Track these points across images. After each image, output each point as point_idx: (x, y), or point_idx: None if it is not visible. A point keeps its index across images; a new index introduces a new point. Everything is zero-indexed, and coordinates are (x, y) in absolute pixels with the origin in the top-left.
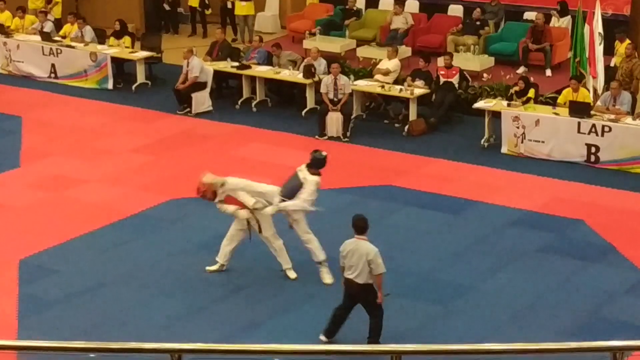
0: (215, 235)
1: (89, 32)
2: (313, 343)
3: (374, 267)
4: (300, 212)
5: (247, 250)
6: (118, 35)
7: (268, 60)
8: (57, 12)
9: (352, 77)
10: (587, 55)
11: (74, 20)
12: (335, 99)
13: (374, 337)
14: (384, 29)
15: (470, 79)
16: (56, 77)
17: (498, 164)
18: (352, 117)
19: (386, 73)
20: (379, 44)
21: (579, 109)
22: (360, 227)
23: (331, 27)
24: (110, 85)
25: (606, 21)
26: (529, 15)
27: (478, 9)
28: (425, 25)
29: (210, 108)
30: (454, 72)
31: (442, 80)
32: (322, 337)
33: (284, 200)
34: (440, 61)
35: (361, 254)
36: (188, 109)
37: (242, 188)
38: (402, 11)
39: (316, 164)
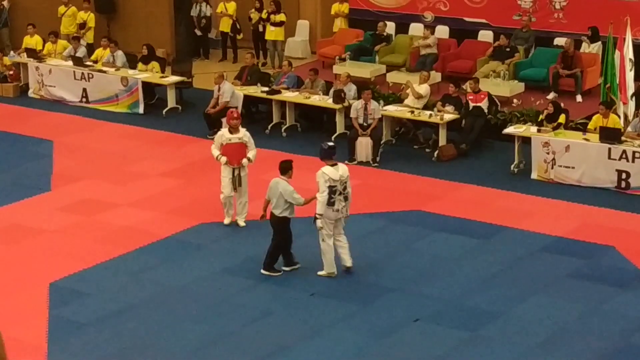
0: (244, 260)
1: (120, 56)
2: None
3: (292, 201)
4: None
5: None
6: (146, 60)
7: (298, 85)
8: (89, 37)
9: (381, 102)
10: (617, 81)
11: (106, 44)
12: (365, 124)
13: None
14: (413, 55)
15: (499, 103)
16: (87, 102)
17: (528, 190)
18: (382, 142)
19: (417, 96)
20: (409, 69)
21: (610, 135)
22: (282, 167)
23: (361, 53)
24: (141, 110)
25: (637, 47)
26: (559, 41)
27: (503, 36)
28: (455, 50)
29: None
30: (482, 96)
31: (471, 105)
32: (285, 268)
33: None
34: (467, 86)
35: (275, 190)
36: None
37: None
38: (430, 35)
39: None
